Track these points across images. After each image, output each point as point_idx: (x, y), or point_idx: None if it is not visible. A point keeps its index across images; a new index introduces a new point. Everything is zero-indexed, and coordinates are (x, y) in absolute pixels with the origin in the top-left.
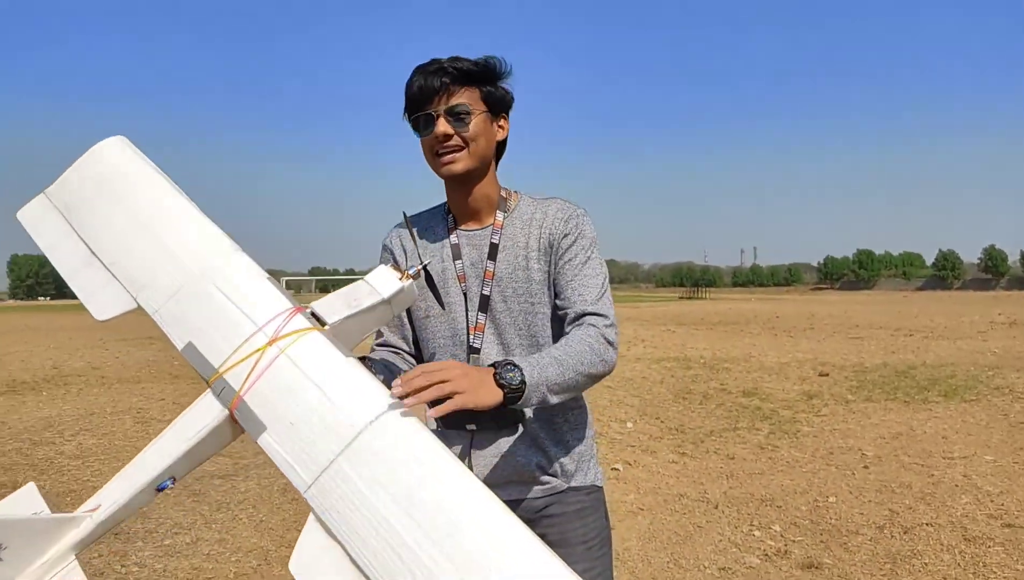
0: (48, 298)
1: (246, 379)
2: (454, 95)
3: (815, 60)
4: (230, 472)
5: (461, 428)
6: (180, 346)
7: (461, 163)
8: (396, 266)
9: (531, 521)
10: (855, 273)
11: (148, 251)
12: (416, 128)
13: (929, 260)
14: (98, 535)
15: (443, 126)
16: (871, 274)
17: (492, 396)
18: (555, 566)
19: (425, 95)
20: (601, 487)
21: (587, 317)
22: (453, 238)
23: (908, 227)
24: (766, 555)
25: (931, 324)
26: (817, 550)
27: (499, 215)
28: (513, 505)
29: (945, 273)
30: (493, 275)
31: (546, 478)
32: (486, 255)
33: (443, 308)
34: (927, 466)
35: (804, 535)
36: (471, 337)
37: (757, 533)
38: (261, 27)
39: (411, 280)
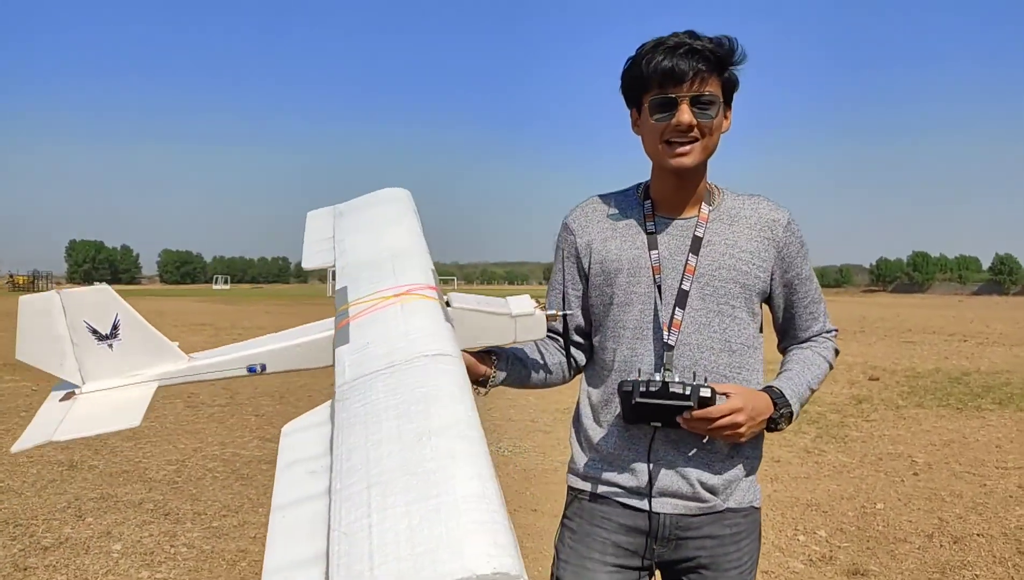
0: (104, 282)
1: (358, 312)
2: (705, 82)
3: (874, 50)
4: (276, 458)
5: (646, 423)
6: (337, 288)
7: (693, 156)
8: (543, 306)
9: (681, 540)
10: (908, 276)
11: (366, 239)
12: (645, 107)
13: (986, 264)
14: (184, 378)
15: (688, 115)
16: (925, 277)
17: (763, 425)
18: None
19: (672, 77)
20: (759, 508)
21: (825, 334)
22: (650, 225)
23: (965, 229)
24: (810, 560)
25: (986, 330)
26: (863, 557)
27: (704, 208)
28: (665, 519)
29: (1002, 277)
30: (695, 270)
31: (705, 495)
32: (688, 248)
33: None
34: (979, 475)
35: (850, 541)
36: (667, 334)
37: (802, 538)
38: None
39: (543, 311)
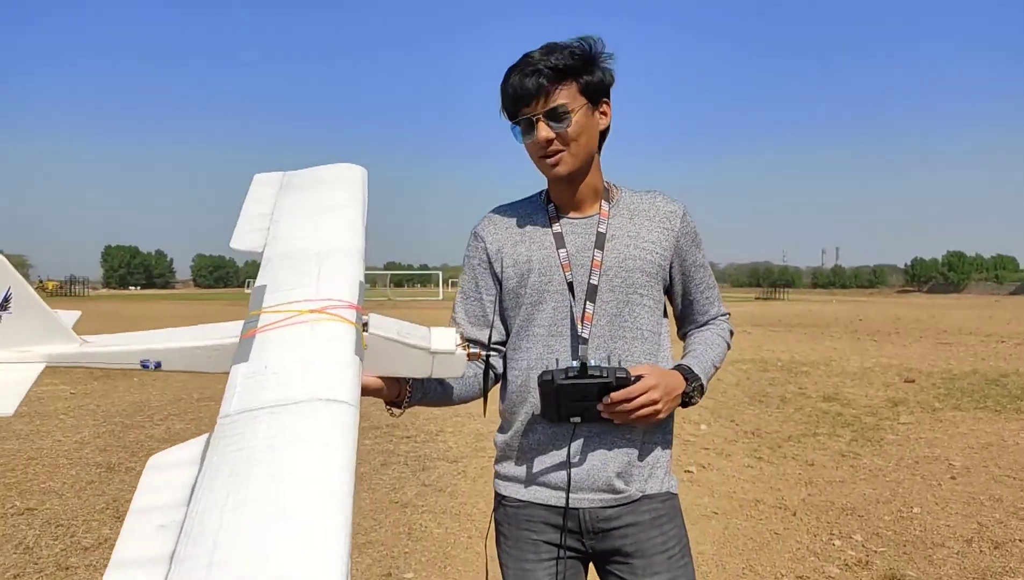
0: (138, 287)
1: (267, 323)
2: (552, 95)
3: (898, 50)
4: None
5: (566, 421)
6: (256, 285)
7: (566, 164)
8: (464, 339)
9: (604, 532)
10: (944, 276)
11: (302, 226)
12: (516, 132)
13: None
14: (73, 362)
15: (544, 131)
16: (961, 277)
17: (677, 401)
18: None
19: (522, 98)
20: (676, 494)
21: (720, 317)
22: (556, 227)
23: (1001, 228)
24: (846, 565)
25: None
26: (900, 562)
27: (605, 205)
28: (584, 514)
29: None
30: (601, 265)
31: (620, 485)
32: (592, 244)
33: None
34: (1020, 479)
35: (887, 546)
36: (580, 327)
37: (837, 542)
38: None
39: (465, 351)
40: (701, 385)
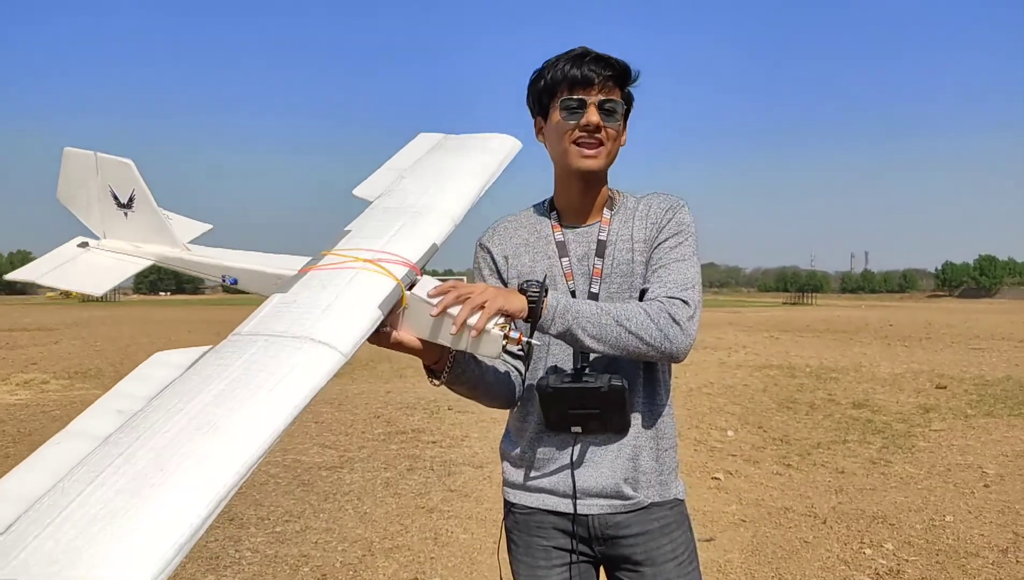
0: (168, 293)
1: (324, 264)
2: (610, 90)
3: (930, 52)
4: (336, 464)
5: (567, 431)
6: (345, 228)
7: (599, 160)
8: (507, 326)
9: (613, 539)
10: (976, 280)
11: (418, 185)
12: (553, 111)
13: None
14: (175, 265)
15: (596, 116)
16: (993, 281)
17: (518, 302)
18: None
19: (580, 82)
20: (683, 500)
21: (665, 298)
22: (558, 235)
23: None
24: (877, 574)
25: None
26: (933, 571)
27: (606, 213)
28: (593, 520)
29: None
30: (601, 273)
31: (629, 492)
32: (593, 252)
33: (527, 363)
34: None
35: (919, 555)
36: None
37: (868, 551)
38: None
39: (502, 332)
40: (539, 283)
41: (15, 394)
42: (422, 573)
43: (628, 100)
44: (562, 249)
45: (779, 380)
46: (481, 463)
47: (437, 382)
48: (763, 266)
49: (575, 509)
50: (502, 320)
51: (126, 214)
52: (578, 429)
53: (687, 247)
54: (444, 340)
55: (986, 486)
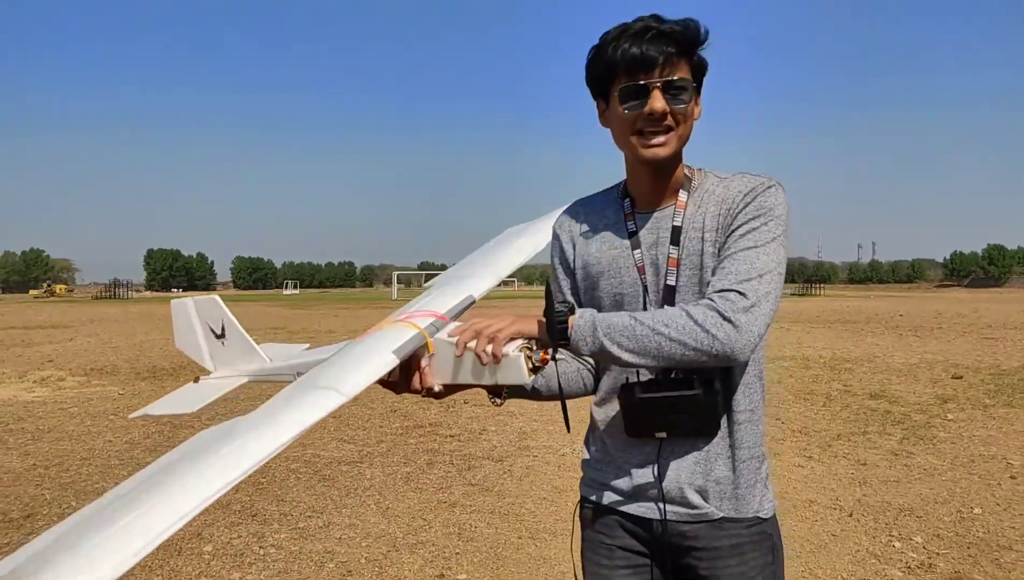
0: (180, 290)
1: (377, 327)
2: (676, 67)
3: (942, 44)
4: (356, 459)
5: (651, 436)
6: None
7: (669, 147)
8: (530, 345)
9: (680, 549)
10: (984, 269)
11: (472, 259)
12: (613, 98)
13: None
14: (263, 377)
15: (660, 102)
16: (1002, 271)
17: (534, 323)
18: None
19: (642, 64)
20: (767, 519)
21: (716, 294)
22: (631, 225)
23: None
24: (908, 567)
25: None
26: (966, 565)
27: (682, 195)
28: (657, 525)
29: None
30: (678, 262)
31: (697, 500)
32: (668, 240)
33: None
34: None
35: (949, 548)
36: None
37: (897, 544)
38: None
39: (523, 354)
40: (565, 301)
41: (32, 391)
42: (448, 569)
43: (699, 70)
44: (635, 241)
45: (794, 371)
46: (500, 457)
47: (499, 401)
48: None
49: (663, 513)
50: (520, 342)
51: (223, 343)
52: (663, 435)
53: (765, 232)
54: (476, 378)
55: (1012, 477)
